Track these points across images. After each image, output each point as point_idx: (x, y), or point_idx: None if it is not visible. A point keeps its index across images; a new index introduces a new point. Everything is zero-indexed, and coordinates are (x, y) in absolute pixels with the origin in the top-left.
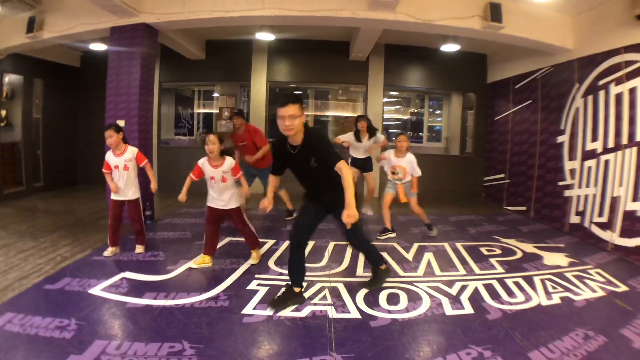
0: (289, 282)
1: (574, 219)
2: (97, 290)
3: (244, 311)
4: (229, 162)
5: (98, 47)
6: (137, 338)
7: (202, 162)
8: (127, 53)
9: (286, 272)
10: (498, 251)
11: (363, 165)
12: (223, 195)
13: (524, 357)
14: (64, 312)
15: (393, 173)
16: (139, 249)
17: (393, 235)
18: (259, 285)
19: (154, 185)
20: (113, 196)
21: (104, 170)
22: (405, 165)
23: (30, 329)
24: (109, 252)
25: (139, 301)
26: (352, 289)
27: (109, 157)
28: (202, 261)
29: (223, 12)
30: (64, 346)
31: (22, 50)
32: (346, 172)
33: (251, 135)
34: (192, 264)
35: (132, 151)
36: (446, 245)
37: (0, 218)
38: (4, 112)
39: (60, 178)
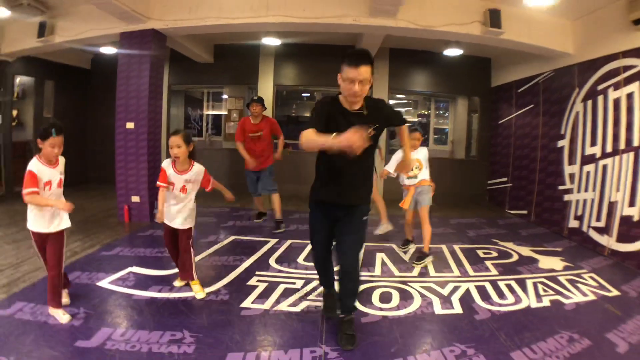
0: (325, 289)
1: (573, 224)
2: (105, 283)
3: (242, 305)
4: (197, 169)
5: (108, 50)
6: (141, 326)
7: (167, 164)
8: (136, 57)
9: (286, 269)
10: (494, 254)
11: None
12: (181, 211)
13: (506, 356)
14: (73, 302)
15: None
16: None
17: (413, 247)
18: (258, 281)
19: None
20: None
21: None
22: (420, 157)
23: (41, 317)
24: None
25: (145, 293)
26: None
27: (41, 169)
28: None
29: (229, 18)
30: (72, 332)
31: (33, 53)
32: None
33: (271, 125)
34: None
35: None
36: (444, 248)
37: (12, 215)
38: (15, 112)
39: (71, 177)
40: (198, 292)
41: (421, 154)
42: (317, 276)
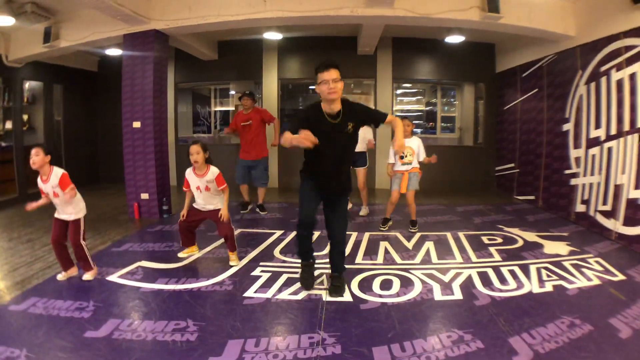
0: (303, 262)
1: (580, 208)
2: (115, 277)
3: (245, 294)
4: (213, 171)
5: (114, 52)
6: (148, 317)
7: (188, 172)
8: (140, 58)
9: (289, 259)
10: (499, 240)
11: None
12: (210, 202)
13: (504, 341)
14: (83, 296)
15: (401, 157)
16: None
17: (390, 223)
18: (262, 271)
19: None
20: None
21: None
22: (413, 145)
23: (52, 311)
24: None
25: (152, 286)
26: (349, 275)
27: (39, 182)
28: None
29: (228, 16)
30: (81, 324)
31: (40, 58)
32: (398, 120)
33: (259, 113)
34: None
35: (56, 175)
36: (448, 235)
37: (25, 215)
38: (25, 117)
39: (83, 177)
40: (236, 260)
41: (413, 143)
42: (319, 266)
